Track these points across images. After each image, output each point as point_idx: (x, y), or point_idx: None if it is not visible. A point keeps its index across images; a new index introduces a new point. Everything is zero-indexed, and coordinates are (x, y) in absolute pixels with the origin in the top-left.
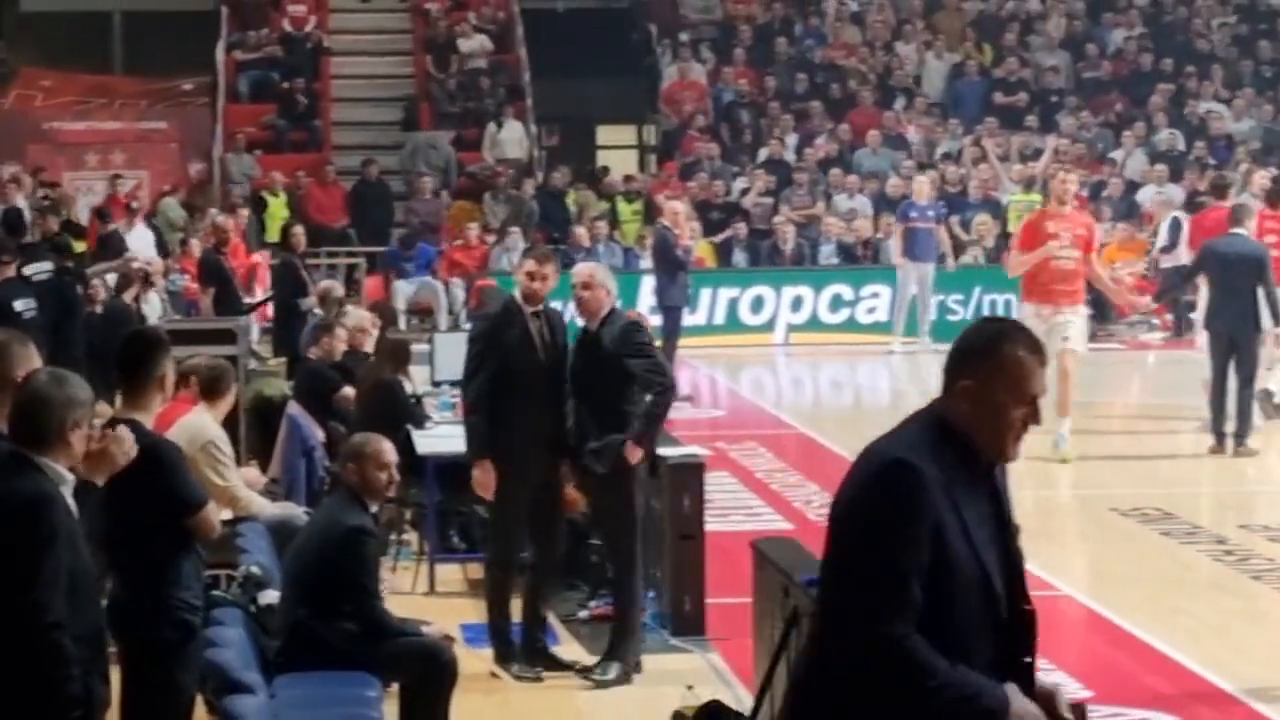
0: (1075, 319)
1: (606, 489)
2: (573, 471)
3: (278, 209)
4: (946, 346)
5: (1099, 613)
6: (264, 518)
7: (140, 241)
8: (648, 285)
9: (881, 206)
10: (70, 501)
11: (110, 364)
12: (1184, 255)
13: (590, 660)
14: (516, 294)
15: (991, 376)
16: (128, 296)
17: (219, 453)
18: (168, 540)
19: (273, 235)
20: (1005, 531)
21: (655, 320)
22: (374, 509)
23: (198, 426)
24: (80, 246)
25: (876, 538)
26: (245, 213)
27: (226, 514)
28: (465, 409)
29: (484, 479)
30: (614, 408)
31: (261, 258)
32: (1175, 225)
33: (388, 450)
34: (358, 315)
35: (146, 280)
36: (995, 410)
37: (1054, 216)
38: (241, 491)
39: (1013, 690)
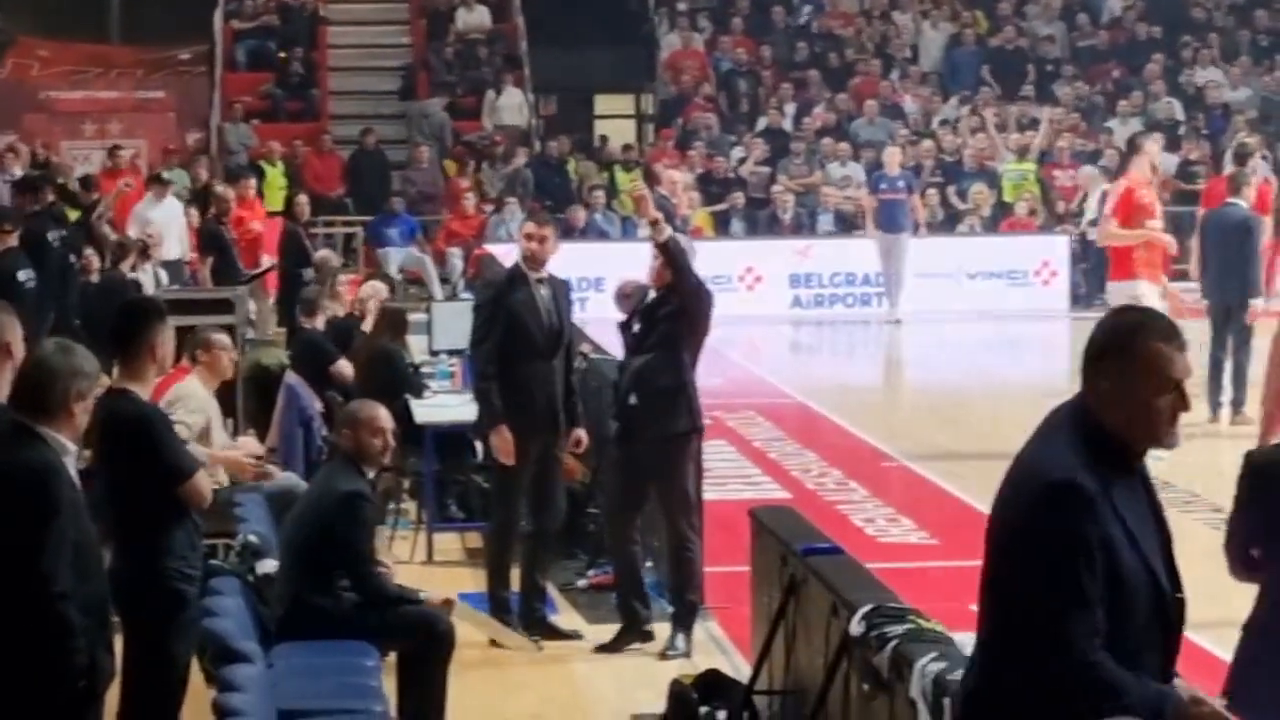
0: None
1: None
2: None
3: (275, 178)
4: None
5: None
6: (270, 485)
7: (168, 214)
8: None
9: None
10: (73, 472)
11: (104, 334)
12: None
13: (587, 628)
14: (520, 259)
15: (1132, 374)
16: (125, 267)
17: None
18: (160, 510)
19: (272, 204)
20: (1160, 519)
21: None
22: (371, 475)
23: (179, 390)
24: (75, 215)
25: (1055, 566)
26: (252, 181)
27: (222, 480)
28: (476, 375)
29: (503, 445)
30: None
31: (261, 226)
32: (1104, 199)
33: (383, 416)
34: (372, 285)
35: (144, 251)
36: (1141, 406)
37: (1146, 186)
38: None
39: (1182, 687)
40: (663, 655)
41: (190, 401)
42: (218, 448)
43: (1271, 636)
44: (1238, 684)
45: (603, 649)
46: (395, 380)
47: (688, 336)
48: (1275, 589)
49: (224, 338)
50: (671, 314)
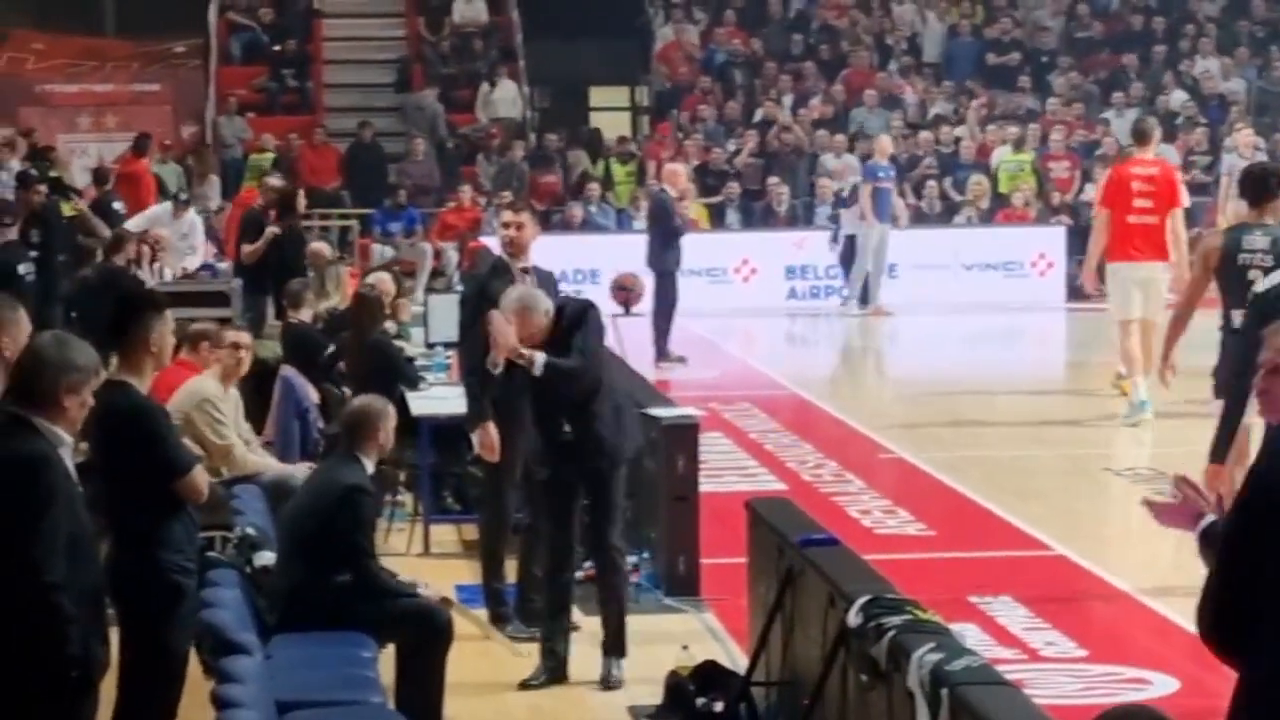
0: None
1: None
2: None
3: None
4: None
5: (1093, 572)
6: (267, 476)
7: (185, 228)
8: (641, 246)
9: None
10: (69, 463)
11: (99, 327)
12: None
13: (584, 619)
14: (501, 251)
15: None
16: (119, 260)
17: (215, 410)
18: (157, 503)
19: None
20: None
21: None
22: (371, 469)
23: (194, 387)
24: (68, 210)
25: None
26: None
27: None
28: (463, 370)
29: (487, 441)
30: None
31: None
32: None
33: (387, 411)
34: (377, 276)
35: (155, 247)
36: None
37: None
38: (239, 449)
39: None
40: (604, 684)
41: (222, 404)
42: (239, 444)
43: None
44: None
45: (525, 685)
46: (389, 371)
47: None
48: None
49: (243, 335)
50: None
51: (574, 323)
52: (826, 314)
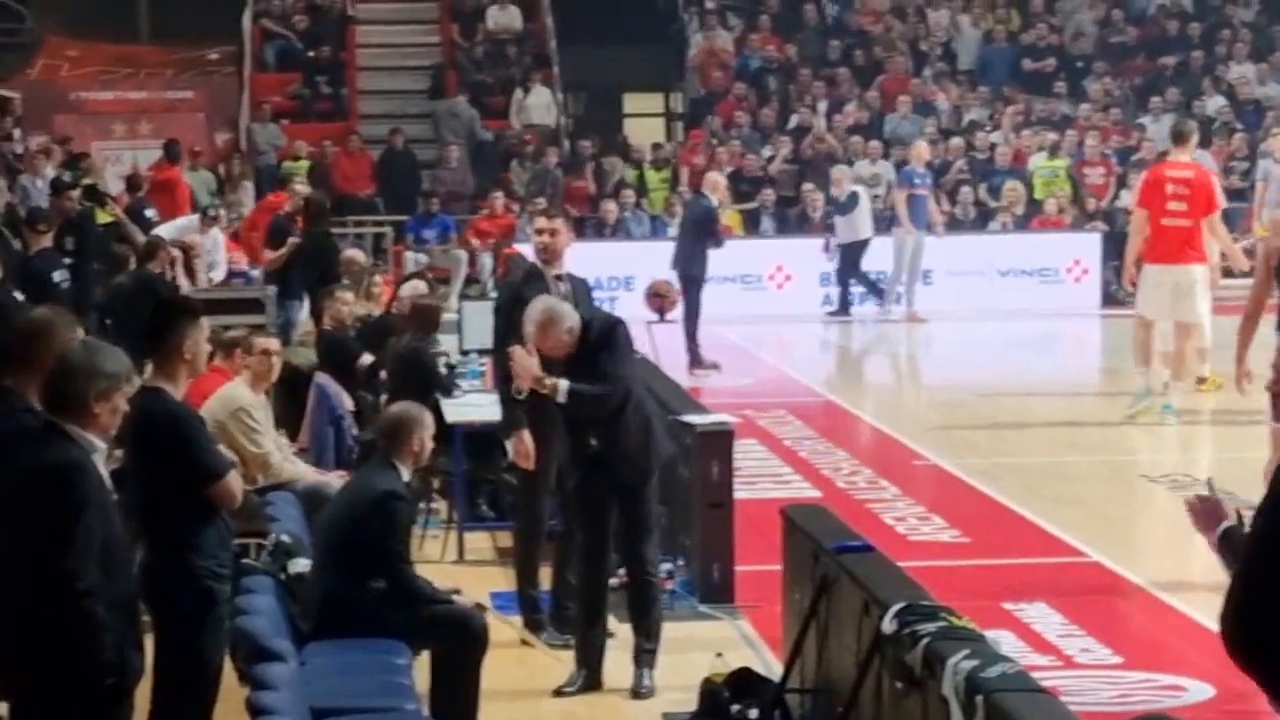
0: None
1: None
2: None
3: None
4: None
5: (1128, 579)
6: (301, 485)
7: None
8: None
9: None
10: (103, 470)
11: (134, 333)
12: (864, 229)
13: (618, 626)
14: (535, 258)
15: None
16: (154, 267)
17: (250, 419)
18: (190, 509)
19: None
20: None
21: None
22: (408, 477)
23: (231, 395)
24: (105, 217)
25: None
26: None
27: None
28: (497, 377)
29: (522, 450)
30: None
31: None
32: (852, 198)
33: (425, 420)
34: (412, 285)
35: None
36: None
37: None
38: (275, 458)
39: None
40: (635, 694)
41: (257, 413)
42: (275, 452)
43: None
44: None
45: (560, 693)
46: (426, 378)
47: None
48: None
49: (273, 342)
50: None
51: (601, 341)
52: (861, 320)
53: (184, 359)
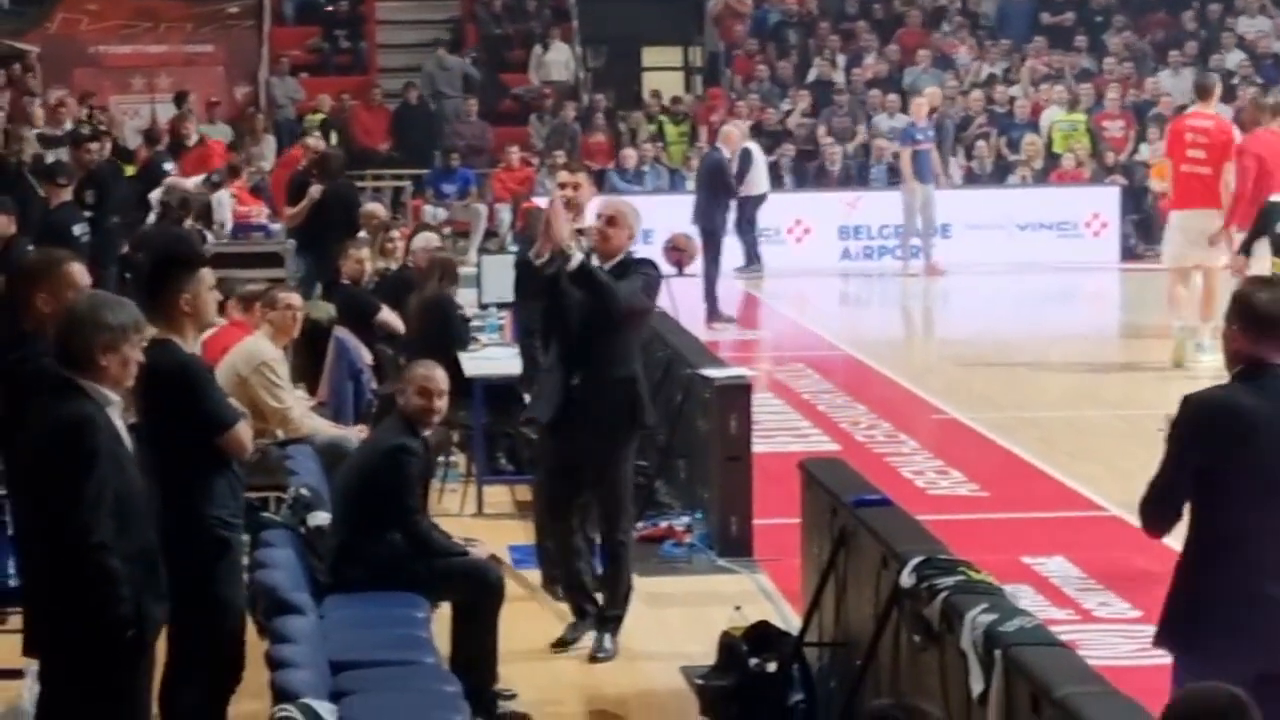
0: None
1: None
2: None
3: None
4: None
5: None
6: (320, 439)
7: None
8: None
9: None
10: (118, 423)
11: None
12: (760, 184)
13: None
14: None
15: None
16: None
17: (272, 374)
18: (200, 459)
19: None
20: None
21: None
22: (426, 433)
23: (253, 349)
24: (130, 170)
25: None
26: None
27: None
28: (517, 330)
29: None
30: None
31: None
32: (746, 155)
33: (438, 378)
34: (423, 236)
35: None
36: None
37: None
38: (295, 413)
39: None
40: (592, 658)
41: (279, 367)
42: (295, 407)
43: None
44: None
45: (557, 645)
46: (449, 331)
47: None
48: (1208, 539)
49: (295, 297)
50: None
51: (634, 266)
52: (880, 274)
53: (183, 311)
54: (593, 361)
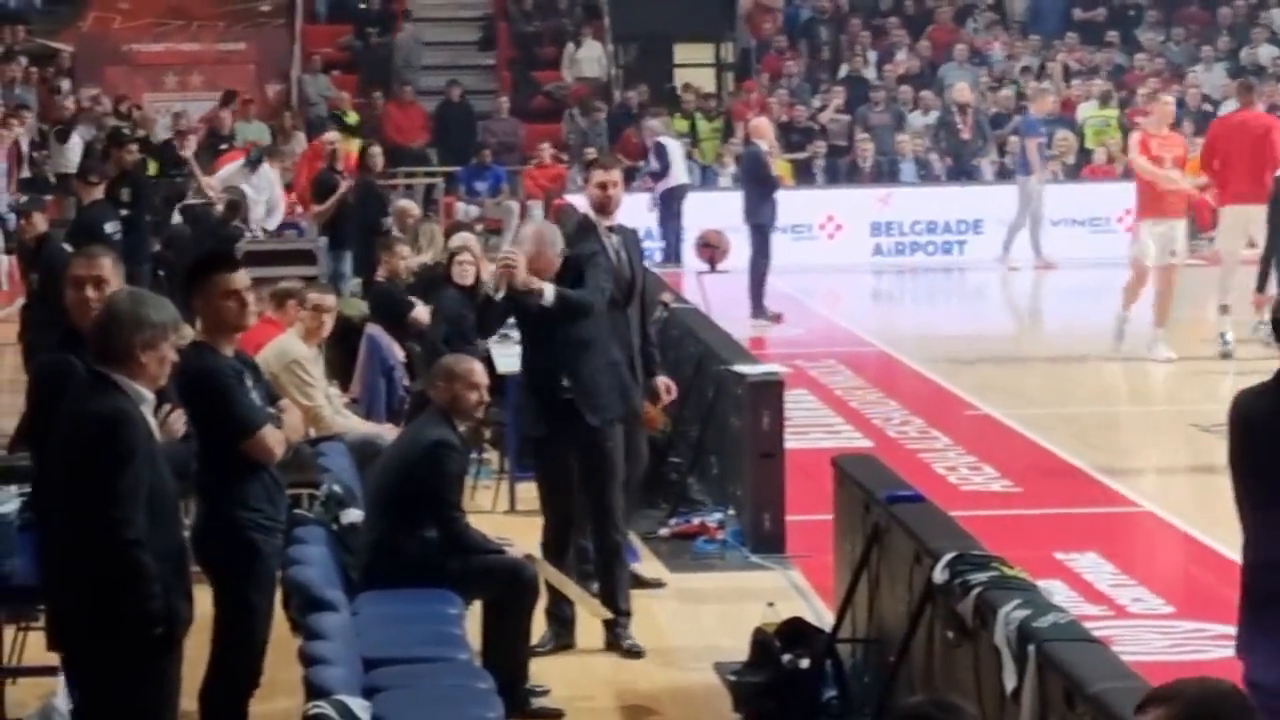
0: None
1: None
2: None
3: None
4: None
5: (1179, 528)
6: (352, 436)
7: (262, 183)
8: (726, 203)
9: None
10: (152, 421)
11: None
12: (680, 175)
13: (670, 576)
14: (588, 209)
15: None
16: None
17: (303, 372)
18: (231, 462)
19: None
20: None
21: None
22: (462, 428)
23: (284, 347)
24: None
25: None
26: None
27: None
28: None
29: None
30: None
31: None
32: (660, 150)
33: (478, 371)
34: (461, 236)
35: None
36: None
37: (1156, 138)
38: (326, 411)
39: None
40: (627, 653)
41: (310, 366)
42: (326, 406)
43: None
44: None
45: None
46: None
47: None
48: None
49: (328, 298)
50: None
51: (577, 262)
52: (912, 270)
53: (218, 312)
54: (575, 365)
